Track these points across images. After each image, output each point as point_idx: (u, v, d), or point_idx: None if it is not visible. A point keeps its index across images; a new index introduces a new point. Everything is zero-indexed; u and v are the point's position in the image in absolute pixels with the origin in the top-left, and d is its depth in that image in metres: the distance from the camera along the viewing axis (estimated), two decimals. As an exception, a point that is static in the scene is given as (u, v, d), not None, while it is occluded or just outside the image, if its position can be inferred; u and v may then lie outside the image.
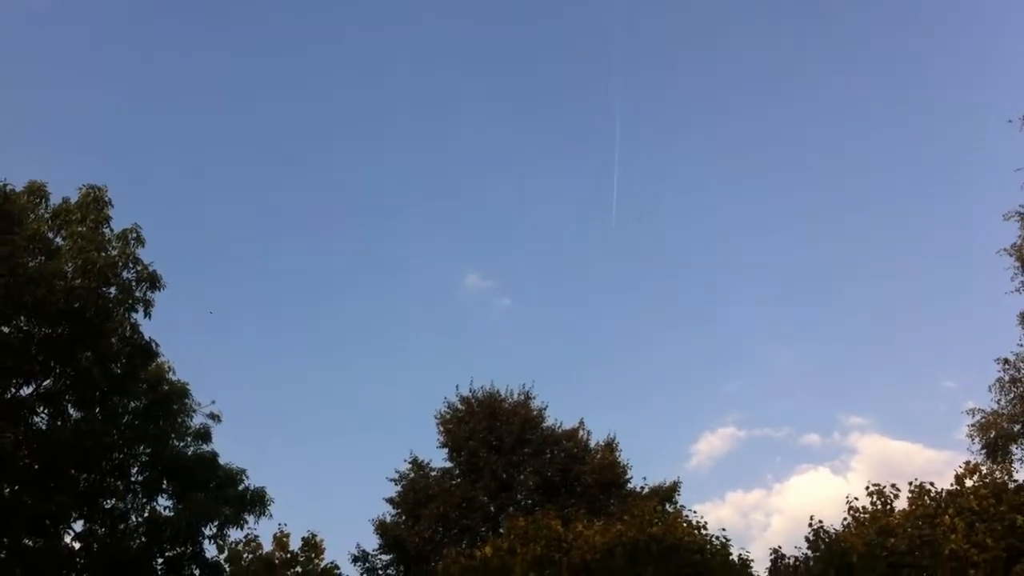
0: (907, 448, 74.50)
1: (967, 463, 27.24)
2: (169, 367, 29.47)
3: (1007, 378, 30.05)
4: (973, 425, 30.36)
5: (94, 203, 26.58)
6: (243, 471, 29.89)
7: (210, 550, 28.70)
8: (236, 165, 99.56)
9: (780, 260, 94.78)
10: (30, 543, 25.33)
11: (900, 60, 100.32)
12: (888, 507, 27.61)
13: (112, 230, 26.68)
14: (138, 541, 27.42)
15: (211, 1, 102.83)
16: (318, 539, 31.81)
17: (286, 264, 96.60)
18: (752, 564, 26.94)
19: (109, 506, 27.75)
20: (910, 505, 26.93)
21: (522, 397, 41.65)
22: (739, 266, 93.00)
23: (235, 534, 29.30)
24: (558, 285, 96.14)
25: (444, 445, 41.31)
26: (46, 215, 26.57)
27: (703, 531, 26.94)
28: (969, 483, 26.52)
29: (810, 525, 27.01)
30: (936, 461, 70.85)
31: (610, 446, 41.22)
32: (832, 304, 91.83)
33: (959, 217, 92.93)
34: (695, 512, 28.45)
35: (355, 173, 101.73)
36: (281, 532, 31.40)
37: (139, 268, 26.57)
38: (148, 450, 28.45)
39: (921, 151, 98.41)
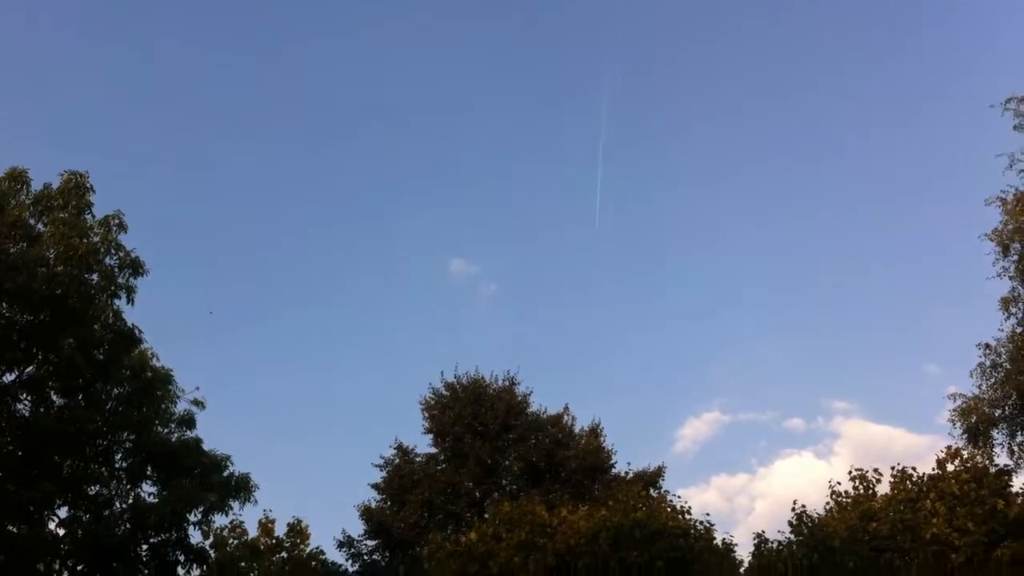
0: (890, 432, 74.85)
1: (948, 448, 27.50)
2: (152, 354, 29.31)
3: (988, 363, 30.13)
4: (955, 410, 30.49)
5: (76, 189, 26.38)
6: (228, 457, 29.79)
7: (195, 536, 28.64)
8: (224, 161, 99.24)
9: (764, 250, 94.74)
10: (14, 530, 25.21)
11: (888, 56, 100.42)
12: (870, 491, 27.83)
13: (94, 216, 26.53)
14: (123, 527, 27.32)
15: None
16: (303, 525, 31.97)
17: (271, 252, 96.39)
18: (735, 548, 27.17)
19: (93, 492, 27.63)
20: (892, 489, 27.16)
21: (507, 383, 41.79)
22: (724, 256, 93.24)
23: (220, 520, 29.32)
24: (544, 272, 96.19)
25: (429, 431, 41.43)
26: (27, 201, 26.37)
27: (687, 516, 27.12)
28: (951, 468, 26.77)
29: (793, 509, 27.23)
30: (919, 445, 71.18)
31: (595, 432, 41.38)
32: (816, 290, 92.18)
33: (943, 203, 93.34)
34: (679, 497, 28.66)
35: (341, 161, 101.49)
36: (266, 518, 31.57)
37: (121, 254, 26.40)
38: (132, 436, 28.34)
39: (901, 139, 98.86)
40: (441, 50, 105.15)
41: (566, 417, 41.62)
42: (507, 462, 39.94)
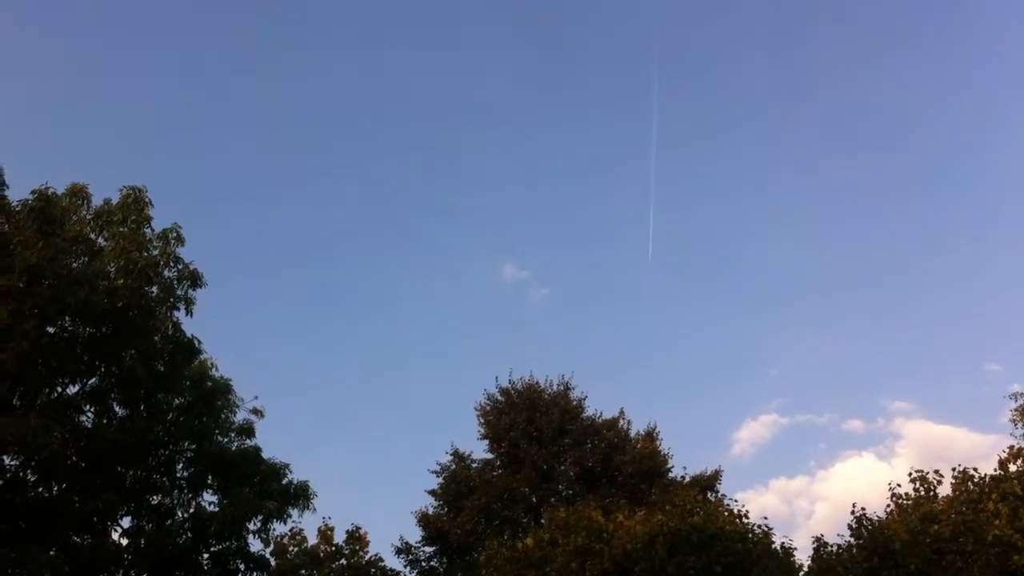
0: (952, 432, 73.97)
1: (1011, 448, 27.01)
2: (212, 364, 29.73)
3: (1049, 361, 29.66)
4: (1016, 409, 30.06)
5: (135, 204, 26.82)
6: (287, 465, 30.12)
7: (255, 544, 28.97)
8: (281, 170, 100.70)
9: (821, 249, 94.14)
10: (78, 540, 25.63)
11: (940, 48, 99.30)
12: (931, 493, 27.45)
13: (153, 230, 26.94)
14: (184, 536, 27.68)
15: (257, 9, 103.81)
16: (362, 532, 32.19)
17: (325, 260, 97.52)
18: (795, 552, 26.90)
19: (155, 502, 28.02)
20: (953, 491, 26.75)
21: (561, 388, 41.77)
22: (779, 255, 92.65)
23: (280, 528, 29.60)
24: (597, 275, 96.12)
25: (485, 437, 41.48)
26: (88, 216, 26.84)
27: (745, 520, 26.90)
28: (1013, 468, 26.30)
29: (852, 512, 26.95)
30: (982, 445, 70.31)
31: (651, 435, 41.20)
32: (875, 290, 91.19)
33: (1006, 198, 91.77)
34: (736, 501, 28.47)
35: (394, 168, 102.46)
36: (325, 525, 31.84)
37: (180, 267, 26.81)
38: (193, 446, 28.73)
39: (961, 131, 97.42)
40: (493, 58, 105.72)
41: (621, 421, 41.52)
42: (563, 467, 39.91)
